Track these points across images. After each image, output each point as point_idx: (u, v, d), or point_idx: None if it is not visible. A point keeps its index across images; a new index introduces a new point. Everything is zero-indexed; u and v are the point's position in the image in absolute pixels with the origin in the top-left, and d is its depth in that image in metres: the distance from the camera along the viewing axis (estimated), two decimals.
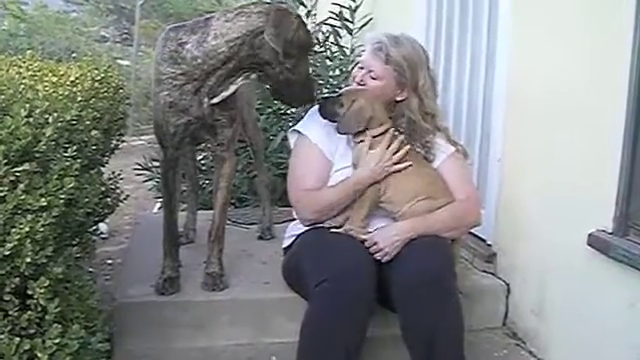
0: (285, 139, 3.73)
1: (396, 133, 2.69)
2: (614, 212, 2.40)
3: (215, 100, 2.67)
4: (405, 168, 2.64)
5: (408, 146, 2.68)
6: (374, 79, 2.71)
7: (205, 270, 2.91)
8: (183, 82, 2.62)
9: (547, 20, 2.84)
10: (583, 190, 2.57)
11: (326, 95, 3.04)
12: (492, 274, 3.21)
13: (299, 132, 2.82)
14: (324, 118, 2.72)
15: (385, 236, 2.56)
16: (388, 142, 2.65)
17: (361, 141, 2.67)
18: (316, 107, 2.86)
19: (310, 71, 2.64)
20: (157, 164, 5.00)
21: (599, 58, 2.49)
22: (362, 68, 2.77)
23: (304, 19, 2.62)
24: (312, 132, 2.76)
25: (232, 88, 2.66)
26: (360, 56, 2.91)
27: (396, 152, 2.64)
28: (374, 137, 2.66)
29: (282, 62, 2.55)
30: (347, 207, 2.68)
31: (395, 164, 2.64)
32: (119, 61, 11.36)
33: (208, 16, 2.66)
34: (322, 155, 2.73)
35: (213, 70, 2.60)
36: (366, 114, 2.64)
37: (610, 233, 2.42)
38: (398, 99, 2.74)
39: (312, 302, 2.46)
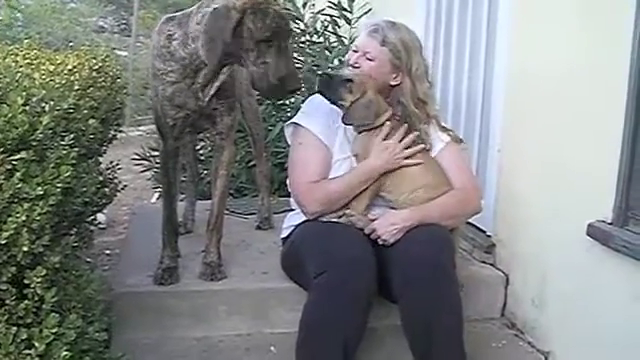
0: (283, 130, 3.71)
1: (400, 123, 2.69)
2: (614, 202, 2.39)
3: (208, 96, 2.69)
4: (415, 159, 2.65)
5: (414, 134, 2.68)
6: (370, 60, 2.70)
7: (203, 260, 2.91)
8: (175, 79, 2.64)
9: (547, 10, 2.83)
10: (583, 180, 2.57)
11: (330, 72, 2.97)
12: (491, 265, 3.20)
13: (298, 124, 2.80)
14: (327, 98, 2.68)
15: (385, 224, 2.56)
16: (402, 133, 2.66)
17: (363, 131, 2.66)
18: (312, 98, 2.85)
19: (283, 63, 2.47)
20: (156, 154, 5.02)
21: (599, 48, 2.48)
22: (356, 51, 2.76)
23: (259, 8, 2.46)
24: (311, 124, 2.75)
25: (221, 78, 2.66)
26: None
27: (405, 141, 2.66)
28: (376, 127, 2.65)
29: (249, 57, 2.47)
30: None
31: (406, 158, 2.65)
32: (117, 51, 11.34)
33: (192, 9, 2.63)
34: (323, 146, 2.72)
35: (199, 69, 2.61)
36: (376, 109, 2.63)
37: (610, 223, 2.41)
38: (393, 83, 2.73)
39: (312, 293, 2.45)
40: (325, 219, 2.67)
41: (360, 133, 2.68)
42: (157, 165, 5.06)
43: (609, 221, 2.41)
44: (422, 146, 2.69)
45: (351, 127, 2.70)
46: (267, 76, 2.47)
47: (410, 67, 2.72)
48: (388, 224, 2.56)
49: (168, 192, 2.92)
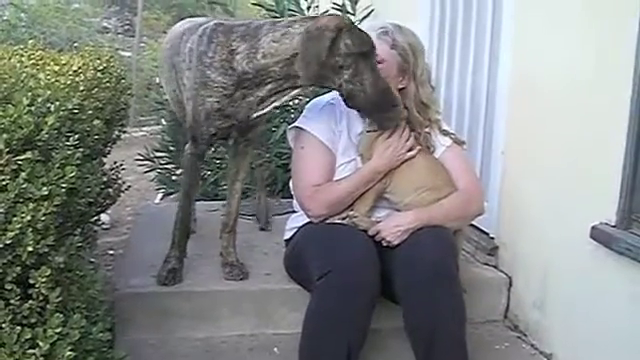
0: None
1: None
2: (617, 205, 2.39)
3: (265, 110, 2.65)
4: (416, 154, 2.65)
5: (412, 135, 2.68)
6: (378, 62, 2.69)
7: (224, 261, 2.93)
8: (232, 91, 2.59)
9: (551, 12, 2.83)
10: (586, 183, 2.56)
11: None
12: (494, 267, 3.20)
13: (301, 128, 2.79)
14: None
15: (389, 225, 2.57)
16: (405, 133, 2.66)
17: (370, 131, 2.66)
18: (315, 102, 2.86)
19: (379, 78, 2.45)
20: (160, 155, 5.03)
21: (603, 51, 2.48)
22: None
23: (354, 25, 2.48)
24: (314, 128, 2.74)
25: (284, 99, 2.63)
26: None
27: (407, 140, 2.66)
28: None
29: (339, 75, 2.44)
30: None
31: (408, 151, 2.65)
32: (121, 52, 11.34)
33: (258, 23, 2.59)
34: (327, 150, 2.72)
35: (263, 83, 2.56)
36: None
37: (613, 226, 2.41)
38: (399, 87, 2.72)
39: (315, 294, 2.46)
40: (328, 221, 2.67)
41: (368, 132, 2.67)
42: (160, 166, 5.08)
43: (613, 224, 2.41)
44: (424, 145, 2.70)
45: (355, 130, 2.70)
46: (365, 92, 2.44)
47: (415, 71, 2.71)
48: (393, 226, 2.56)
49: (188, 194, 2.91)
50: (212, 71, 2.58)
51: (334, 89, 2.53)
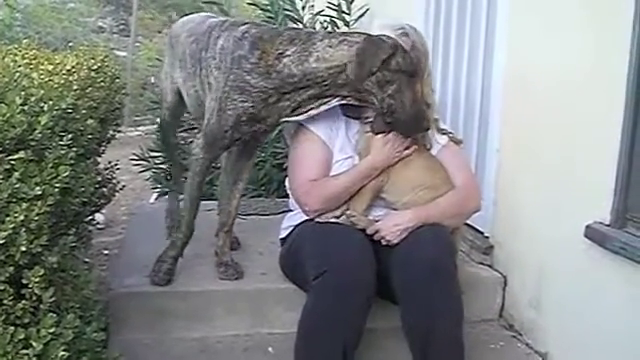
0: (282, 130, 3.71)
1: None
2: (612, 204, 2.39)
3: (301, 117, 2.63)
4: (413, 152, 2.65)
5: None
6: None
7: (220, 260, 2.92)
8: (270, 95, 2.55)
9: (545, 9, 2.83)
10: (581, 182, 2.57)
11: None
12: (489, 266, 3.21)
13: (299, 124, 2.79)
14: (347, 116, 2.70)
15: (389, 224, 2.57)
16: None
17: (368, 132, 2.66)
18: None
19: (418, 98, 2.52)
20: (155, 155, 5.01)
21: (598, 49, 2.48)
22: None
23: (403, 46, 2.49)
24: (312, 123, 2.74)
25: (322, 108, 2.59)
26: None
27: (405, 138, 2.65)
28: None
29: (383, 89, 2.46)
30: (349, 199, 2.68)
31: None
32: (116, 52, 11.33)
33: (308, 30, 2.60)
34: (325, 145, 2.72)
35: (306, 88, 2.53)
36: None
37: (607, 225, 2.41)
38: None
39: (311, 294, 2.45)
40: (323, 219, 2.67)
41: (367, 133, 2.67)
42: (155, 166, 5.07)
43: (607, 223, 2.41)
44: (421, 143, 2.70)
45: (352, 127, 2.70)
46: (404, 108, 2.48)
47: (424, 73, 2.73)
48: (392, 224, 2.57)
49: (194, 198, 2.85)
50: (253, 76, 2.53)
51: (373, 104, 2.52)
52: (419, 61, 2.55)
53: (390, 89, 2.46)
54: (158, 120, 3.42)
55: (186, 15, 3.30)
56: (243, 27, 2.66)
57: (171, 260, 2.85)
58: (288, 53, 2.50)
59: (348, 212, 2.63)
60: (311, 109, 2.59)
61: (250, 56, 2.54)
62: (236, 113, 2.58)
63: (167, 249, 2.87)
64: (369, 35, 2.48)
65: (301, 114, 2.61)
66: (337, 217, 2.64)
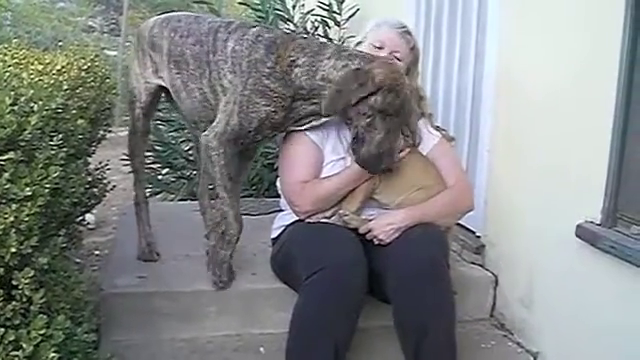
0: None
1: None
2: (603, 203, 2.40)
3: (303, 128, 2.67)
4: (405, 156, 2.65)
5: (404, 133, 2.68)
6: (398, 60, 2.72)
7: (211, 260, 2.87)
8: (287, 101, 2.57)
9: (536, 10, 2.84)
10: (572, 181, 2.57)
11: None
12: (480, 266, 3.21)
13: None
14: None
15: (381, 224, 2.58)
16: None
17: None
18: None
19: (390, 139, 2.48)
20: (145, 154, 4.98)
21: (589, 49, 2.49)
22: (380, 48, 2.75)
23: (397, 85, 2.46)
24: None
25: (322, 120, 2.62)
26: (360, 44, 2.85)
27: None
28: None
29: (360, 119, 2.47)
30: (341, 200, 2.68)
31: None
32: (106, 51, 11.30)
33: (322, 41, 2.61)
34: (315, 147, 2.71)
35: (310, 100, 2.57)
36: None
37: (598, 224, 2.42)
38: None
39: (303, 294, 2.45)
40: (314, 219, 2.67)
41: None
42: (147, 165, 5.04)
43: (598, 222, 2.42)
44: (411, 143, 2.69)
45: (344, 128, 2.70)
46: (371, 144, 2.47)
47: (414, 73, 2.80)
48: (385, 224, 2.57)
49: (231, 187, 2.78)
50: (271, 80, 2.55)
51: (348, 123, 2.55)
52: (405, 101, 2.49)
53: (364, 122, 2.47)
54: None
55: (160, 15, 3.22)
56: (254, 29, 2.67)
57: (230, 259, 2.83)
58: (299, 63, 2.53)
59: (341, 211, 2.63)
60: (312, 121, 2.63)
61: (267, 60, 2.56)
62: (259, 117, 2.58)
63: (222, 249, 2.80)
64: (364, 69, 2.46)
65: (303, 125, 2.65)
66: (327, 217, 2.64)
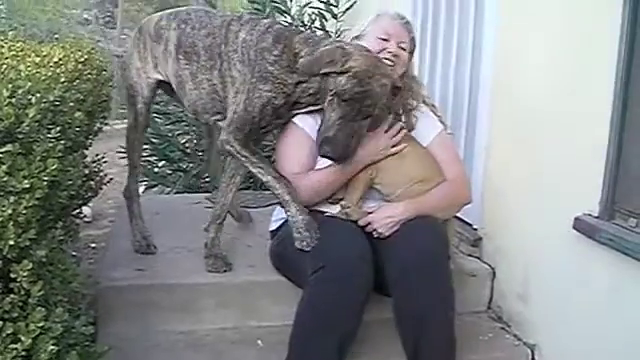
0: None
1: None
2: (600, 196, 2.40)
3: (303, 110, 2.69)
4: (401, 150, 2.65)
5: (404, 130, 2.69)
6: (402, 49, 2.76)
7: (210, 252, 2.90)
8: (289, 88, 2.61)
9: (533, 9, 2.83)
10: (569, 174, 2.57)
11: None
12: (478, 258, 3.22)
13: None
14: None
15: (381, 216, 2.58)
16: (387, 124, 2.65)
17: None
18: None
19: (338, 128, 2.48)
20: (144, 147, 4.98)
21: (586, 47, 2.49)
22: (386, 40, 2.76)
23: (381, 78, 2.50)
24: (299, 117, 2.73)
25: (310, 108, 2.66)
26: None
27: (394, 135, 2.66)
28: None
29: (324, 97, 2.53)
30: (338, 191, 2.68)
31: (393, 146, 2.64)
32: (101, 44, 11.25)
33: (322, 35, 2.62)
34: (310, 139, 2.70)
35: (307, 91, 2.61)
36: None
37: (596, 217, 2.42)
38: (403, 69, 2.81)
39: (309, 289, 2.44)
40: (317, 209, 2.67)
41: None
42: (143, 158, 5.04)
43: (595, 214, 2.43)
44: (404, 131, 2.70)
45: None
46: (323, 125, 2.54)
47: (410, 61, 2.84)
48: (384, 217, 2.57)
49: (267, 164, 2.78)
50: (276, 68, 2.60)
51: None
52: (368, 95, 2.46)
53: (327, 101, 2.52)
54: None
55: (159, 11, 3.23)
56: (266, 21, 2.74)
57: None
58: (302, 54, 2.58)
59: (343, 203, 2.63)
60: (310, 106, 2.66)
61: (273, 49, 2.61)
62: (261, 102, 2.62)
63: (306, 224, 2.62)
64: (342, 48, 2.51)
65: (302, 108, 2.68)
66: (323, 212, 2.64)
